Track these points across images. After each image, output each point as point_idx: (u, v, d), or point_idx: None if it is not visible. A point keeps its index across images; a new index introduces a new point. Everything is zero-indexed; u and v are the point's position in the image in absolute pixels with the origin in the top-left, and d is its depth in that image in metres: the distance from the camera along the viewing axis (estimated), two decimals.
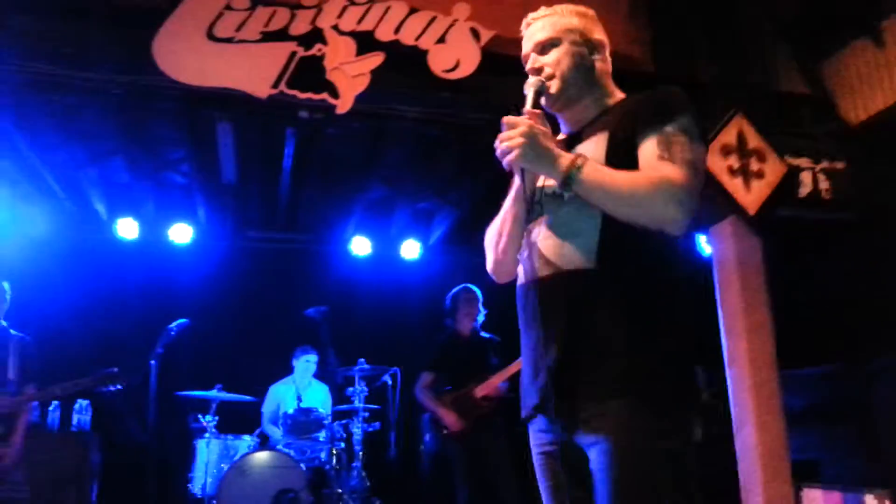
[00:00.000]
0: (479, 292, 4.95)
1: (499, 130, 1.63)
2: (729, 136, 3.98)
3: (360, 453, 4.97)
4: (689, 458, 1.55)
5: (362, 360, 5.08)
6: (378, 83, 3.65)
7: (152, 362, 4.29)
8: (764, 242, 3.98)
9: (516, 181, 1.74)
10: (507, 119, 1.63)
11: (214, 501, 4.58)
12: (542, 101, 1.78)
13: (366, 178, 5.52)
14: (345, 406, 5.16)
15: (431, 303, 5.47)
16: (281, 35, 3.60)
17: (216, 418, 4.94)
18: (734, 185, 3.94)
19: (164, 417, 4.40)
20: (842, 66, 4.35)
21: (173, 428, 5.02)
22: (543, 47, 1.80)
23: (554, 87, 1.77)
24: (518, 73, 1.86)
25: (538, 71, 1.78)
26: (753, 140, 4.01)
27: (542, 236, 1.69)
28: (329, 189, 5.73)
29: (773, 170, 4.01)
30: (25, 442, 3.89)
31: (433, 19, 3.74)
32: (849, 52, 4.29)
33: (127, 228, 5.88)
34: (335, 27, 3.66)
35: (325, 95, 3.62)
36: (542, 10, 1.84)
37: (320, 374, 5.72)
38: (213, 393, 4.97)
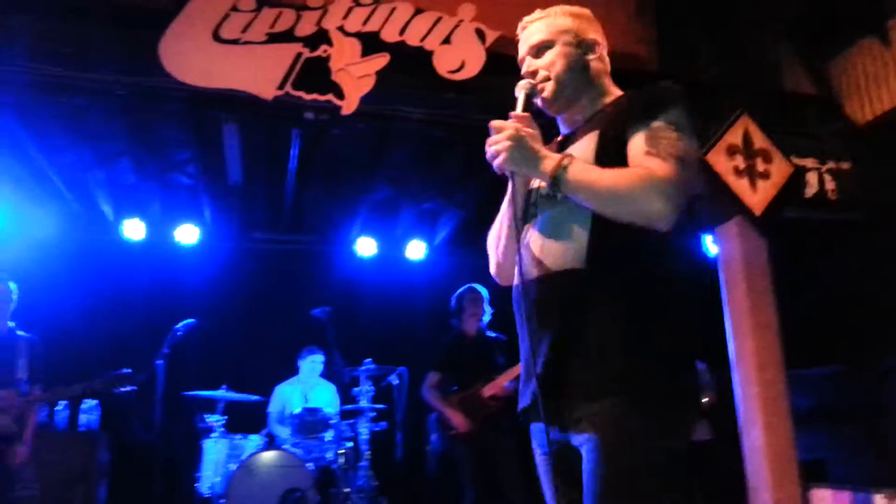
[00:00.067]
0: (484, 292, 4.95)
1: None
2: (735, 136, 3.97)
3: (367, 453, 4.98)
4: (683, 458, 1.53)
5: (368, 360, 5.10)
6: (383, 84, 3.66)
7: (159, 362, 4.32)
8: (770, 243, 3.97)
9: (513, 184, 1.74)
10: (493, 123, 1.64)
11: (222, 501, 4.59)
12: (539, 103, 1.78)
13: (371, 178, 5.53)
14: (351, 406, 5.18)
15: (437, 303, 5.47)
16: (286, 36, 3.61)
17: (223, 418, 4.97)
18: (740, 186, 3.93)
19: (171, 417, 4.43)
20: (848, 65, 4.33)
21: (180, 428, 5.04)
22: (538, 50, 1.80)
23: (549, 89, 1.77)
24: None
25: (533, 74, 1.78)
26: (759, 140, 4.00)
27: (535, 237, 1.69)
28: (334, 190, 5.74)
29: (779, 170, 4.00)
30: (34, 441, 3.92)
31: (438, 20, 3.74)
32: (855, 50, 4.28)
33: (133, 229, 5.90)
34: (340, 28, 3.67)
35: (330, 96, 3.63)
36: (537, 13, 1.84)
37: (327, 375, 5.73)
38: (220, 393, 4.98)
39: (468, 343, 4.90)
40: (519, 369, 1.75)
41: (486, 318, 4.94)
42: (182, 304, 5.28)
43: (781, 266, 3.99)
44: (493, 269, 1.89)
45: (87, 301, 5.58)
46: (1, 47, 3.42)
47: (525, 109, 1.72)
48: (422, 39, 3.71)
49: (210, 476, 4.81)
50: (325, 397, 5.62)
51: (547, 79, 1.77)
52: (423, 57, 3.70)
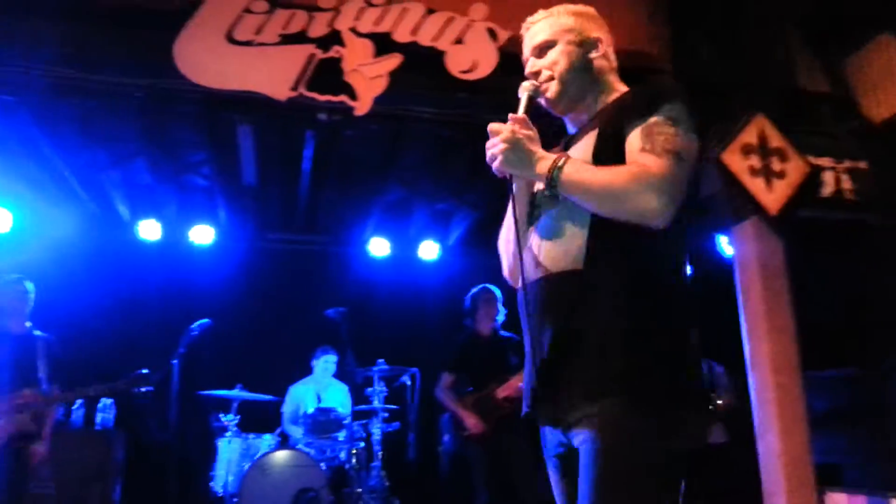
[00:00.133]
0: (498, 292, 4.94)
1: None
2: (750, 135, 3.92)
3: (380, 453, 4.99)
4: (684, 458, 1.51)
5: (381, 360, 5.11)
6: (396, 85, 3.66)
7: (174, 362, 4.35)
8: (786, 243, 3.92)
9: (513, 186, 1.73)
10: (491, 126, 1.64)
11: (236, 500, 4.62)
12: (544, 103, 1.78)
13: (384, 179, 5.54)
14: (364, 406, 5.19)
15: (450, 303, 5.47)
16: (299, 37, 3.62)
17: (237, 417, 5.00)
18: (756, 186, 3.88)
19: (186, 416, 4.46)
20: (864, 62, 4.27)
21: (195, 427, 5.07)
22: (541, 50, 1.79)
23: (552, 89, 1.76)
24: None
25: (536, 75, 1.78)
26: (775, 139, 3.95)
27: (536, 239, 1.69)
28: (348, 190, 5.76)
29: (796, 169, 3.94)
30: (52, 440, 3.97)
31: (450, 20, 3.74)
32: (871, 47, 4.21)
33: (149, 230, 5.96)
34: (353, 29, 3.67)
35: (343, 97, 3.63)
36: (540, 13, 1.83)
37: (340, 375, 5.75)
38: (235, 392, 5.02)
39: (482, 343, 4.89)
40: None
41: (501, 318, 4.93)
42: (197, 304, 5.32)
43: (797, 267, 3.94)
44: (505, 271, 1.88)
45: (102, 301, 5.63)
46: (19, 50, 3.46)
47: (528, 111, 1.71)
48: (434, 40, 3.71)
49: (224, 475, 4.84)
50: (339, 397, 5.63)
51: (550, 78, 1.76)
52: (435, 57, 3.70)
